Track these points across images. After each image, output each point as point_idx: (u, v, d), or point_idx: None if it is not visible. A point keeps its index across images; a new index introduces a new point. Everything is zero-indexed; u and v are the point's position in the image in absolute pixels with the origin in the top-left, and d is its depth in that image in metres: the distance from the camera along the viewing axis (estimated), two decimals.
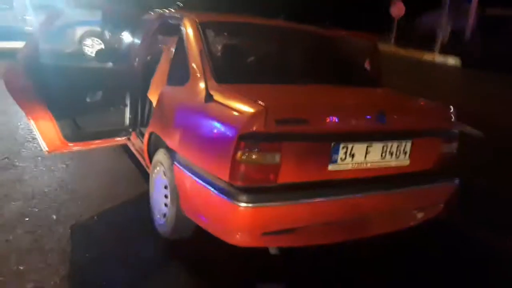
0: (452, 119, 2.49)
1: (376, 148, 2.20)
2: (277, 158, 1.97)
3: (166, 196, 2.56)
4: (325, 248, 2.30)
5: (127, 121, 3.36)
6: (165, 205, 2.57)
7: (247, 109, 1.98)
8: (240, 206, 1.92)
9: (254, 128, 1.92)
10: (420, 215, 2.51)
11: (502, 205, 3.57)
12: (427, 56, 14.42)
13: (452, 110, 2.49)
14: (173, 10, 3.27)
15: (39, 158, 3.68)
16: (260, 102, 1.99)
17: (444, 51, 14.56)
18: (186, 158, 2.28)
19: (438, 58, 14.25)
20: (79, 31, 9.12)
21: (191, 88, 2.41)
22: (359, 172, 2.20)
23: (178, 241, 2.60)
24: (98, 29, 9.01)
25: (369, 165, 2.21)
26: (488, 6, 15.70)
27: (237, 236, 2.06)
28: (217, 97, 2.19)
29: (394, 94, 2.89)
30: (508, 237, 3.04)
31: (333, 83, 2.76)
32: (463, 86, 10.78)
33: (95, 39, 9.09)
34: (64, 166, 3.61)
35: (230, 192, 1.95)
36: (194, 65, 2.47)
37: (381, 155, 2.23)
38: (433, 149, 2.44)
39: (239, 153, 1.93)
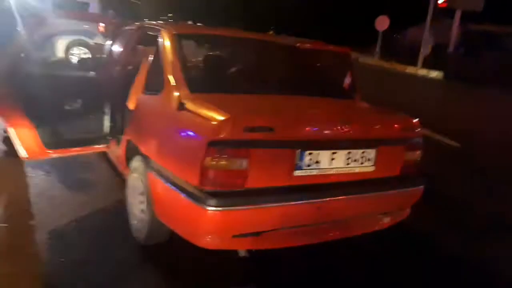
0: (416, 129, 2.62)
1: (341, 156, 2.31)
2: (244, 164, 2.07)
3: (141, 202, 2.63)
4: (295, 253, 2.39)
5: (106, 129, 3.43)
6: (141, 210, 2.63)
7: (216, 117, 2.08)
8: (208, 210, 2.01)
9: (222, 135, 2.02)
10: (385, 220, 2.62)
11: (467, 211, 3.72)
12: (410, 69, 14.76)
13: (415, 120, 2.63)
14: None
15: (19, 165, 3.72)
16: (228, 110, 2.09)
17: (427, 64, 14.91)
18: (159, 164, 2.37)
19: (421, 71, 14.60)
20: (65, 40, 9.18)
21: (165, 96, 2.50)
22: (325, 178, 2.30)
23: (154, 246, 2.66)
24: (84, 38, 9.15)
25: (334, 171, 2.32)
26: (470, 21, 16.18)
27: (207, 239, 2.15)
28: (188, 105, 2.29)
29: (361, 106, 3.02)
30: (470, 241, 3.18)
31: (304, 94, 2.87)
32: (441, 97, 11.06)
33: (82, 48, 9.17)
34: (43, 173, 3.65)
35: (199, 196, 2.04)
36: (168, 74, 2.56)
37: (346, 162, 2.34)
38: (397, 156, 2.56)
39: (207, 159, 2.03)
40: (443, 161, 5.14)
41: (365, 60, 16.49)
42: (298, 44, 3.44)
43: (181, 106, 2.30)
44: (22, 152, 3.00)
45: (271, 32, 17.61)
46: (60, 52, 9.10)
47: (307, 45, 3.49)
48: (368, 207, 2.49)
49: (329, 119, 2.34)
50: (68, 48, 9.24)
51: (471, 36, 15.70)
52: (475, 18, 16.01)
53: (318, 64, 3.37)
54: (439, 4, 15.97)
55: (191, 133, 2.16)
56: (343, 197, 2.33)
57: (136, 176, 2.72)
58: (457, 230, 3.37)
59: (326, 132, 2.28)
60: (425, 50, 15.29)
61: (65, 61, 9.03)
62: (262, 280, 2.48)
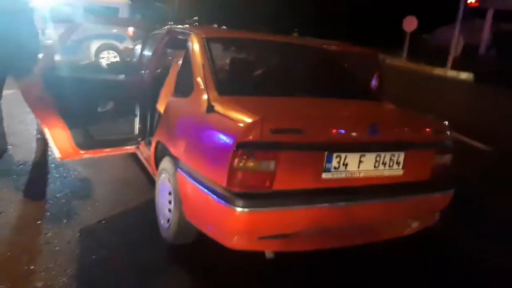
0: (445, 132, 2.57)
1: (369, 158, 2.30)
2: (272, 165, 2.09)
3: (170, 202, 2.69)
4: (322, 256, 2.38)
5: (136, 131, 3.52)
6: (169, 210, 2.69)
7: (244, 119, 2.11)
8: (236, 210, 2.04)
9: (251, 137, 2.04)
10: (414, 224, 2.59)
11: (498, 219, 3.61)
12: (438, 71, 14.42)
13: (445, 124, 2.59)
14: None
15: (53, 165, 3.86)
16: (257, 112, 2.12)
17: (457, 66, 14.53)
18: (188, 165, 2.41)
19: (450, 73, 14.24)
20: (96, 44, 9.44)
21: (194, 99, 2.56)
22: (353, 181, 2.30)
23: (182, 246, 2.71)
24: (114, 42, 9.39)
25: (362, 174, 2.30)
26: (502, 21, 15.68)
27: (234, 239, 2.18)
28: (217, 108, 2.33)
29: (389, 108, 2.99)
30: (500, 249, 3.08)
31: (332, 97, 2.88)
32: (472, 101, 10.75)
33: (111, 51, 9.41)
34: (76, 173, 3.77)
35: (227, 197, 2.07)
36: (198, 77, 2.62)
37: (374, 165, 2.32)
38: (426, 160, 2.52)
39: (236, 161, 2.05)
40: (472, 165, 5.01)
41: (393, 61, 16.22)
42: (324, 46, 3.46)
43: (210, 109, 2.34)
44: (56, 153, 3.12)
45: (295, 34, 17.58)
46: (91, 56, 9.37)
47: (334, 47, 3.50)
48: (397, 211, 2.47)
49: (357, 122, 2.33)
50: (98, 52, 9.50)
51: (503, 36, 15.20)
52: (508, 17, 15.52)
53: (345, 66, 3.36)
54: (469, 3, 15.57)
55: (220, 134, 2.20)
56: (372, 200, 2.32)
57: (165, 177, 2.78)
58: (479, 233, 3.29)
59: (354, 134, 2.28)
60: (455, 51, 14.91)
61: (95, 64, 9.31)
62: (286, 284, 2.49)
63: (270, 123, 2.07)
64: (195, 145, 2.43)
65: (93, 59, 9.33)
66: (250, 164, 2.06)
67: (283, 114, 2.29)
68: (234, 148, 2.05)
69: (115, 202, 3.31)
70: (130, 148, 3.56)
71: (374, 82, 3.69)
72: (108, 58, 9.38)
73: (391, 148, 2.35)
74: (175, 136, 2.63)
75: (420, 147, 2.48)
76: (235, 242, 2.18)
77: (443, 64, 14.71)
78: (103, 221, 3.02)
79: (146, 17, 13.86)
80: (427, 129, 2.53)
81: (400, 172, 2.40)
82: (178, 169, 2.51)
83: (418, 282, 2.63)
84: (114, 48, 9.33)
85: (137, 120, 3.51)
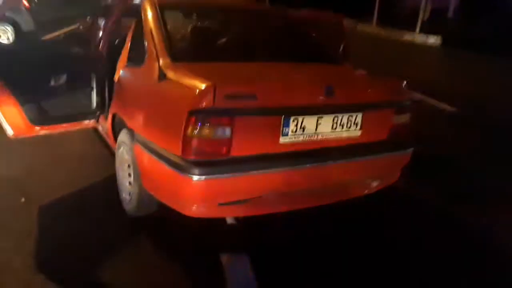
0: (403, 92, 2.58)
1: (327, 120, 2.29)
2: (227, 132, 2.05)
3: (130, 175, 2.63)
4: (287, 218, 2.39)
5: (94, 104, 3.39)
6: (130, 183, 2.64)
7: (197, 85, 2.04)
8: (192, 179, 2.01)
9: (204, 104, 1.99)
10: (374, 184, 2.62)
11: (460, 175, 3.71)
12: (408, 36, 14.48)
13: (403, 83, 2.58)
14: None
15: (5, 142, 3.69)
16: (210, 78, 2.05)
17: (425, 30, 14.61)
18: (143, 136, 2.35)
19: (419, 37, 14.32)
20: None
21: (146, 67, 2.46)
22: (311, 144, 2.28)
23: (144, 217, 2.68)
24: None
25: (320, 136, 2.29)
26: None
27: (193, 208, 2.16)
28: (170, 75, 2.25)
29: (349, 70, 2.97)
30: (462, 205, 3.18)
31: (291, 61, 2.82)
32: (438, 63, 10.90)
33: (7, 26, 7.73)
34: (33, 150, 3.63)
35: (183, 166, 2.03)
36: (150, 44, 2.51)
37: (332, 127, 2.31)
38: (384, 120, 2.53)
39: (190, 128, 2.00)
40: (438, 124, 5.12)
41: (363, 28, 16.16)
42: (286, 12, 3.38)
43: (162, 76, 2.26)
44: (8, 130, 2.98)
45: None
46: None
47: (296, 13, 3.42)
48: (357, 172, 2.49)
49: (313, 84, 2.30)
50: None
51: (471, 1, 15.32)
52: None
53: (306, 31, 3.29)
54: None
55: (172, 103, 2.13)
56: (330, 162, 2.32)
57: (123, 150, 2.71)
58: (441, 189, 3.38)
59: (310, 97, 2.25)
60: (423, 15, 14.95)
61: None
62: (251, 246, 2.50)
63: (224, 89, 2.01)
64: (148, 115, 2.35)
65: None
66: (205, 131, 2.02)
67: (238, 79, 2.22)
68: (187, 116, 2.00)
69: (76, 178, 3.23)
70: (89, 123, 3.43)
71: (338, 47, 3.64)
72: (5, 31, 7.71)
73: (348, 109, 2.34)
74: (129, 107, 2.55)
75: (377, 108, 2.47)
76: (194, 210, 2.16)
77: (413, 29, 14.75)
78: (64, 198, 2.95)
79: None
80: (385, 90, 2.52)
81: (358, 133, 2.40)
82: (135, 141, 2.44)
83: (381, 240, 2.69)
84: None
85: (93, 93, 3.37)
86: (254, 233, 2.58)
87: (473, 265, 2.49)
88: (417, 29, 14.53)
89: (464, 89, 7.22)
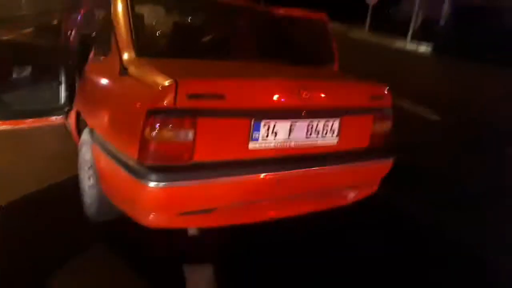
0: (384, 98, 2.43)
1: (301, 126, 2.12)
2: (190, 135, 1.87)
3: (90, 177, 2.44)
4: (256, 227, 2.22)
5: (62, 100, 3.19)
6: (90, 186, 2.45)
7: (158, 82, 1.86)
8: (149, 185, 1.82)
9: (164, 103, 1.81)
10: (352, 194, 2.46)
11: (440, 184, 3.62)
12: (399, 43, 14.46)
13: (384, 88, 2.43)
14: None
15: None
16: (173, 75, 1.87)
17: (416, 37, 14.61)
18: (101, 136, 2.17)
19: (409, 45, 14.31)
20: None
21: (109, 61, 2.28)
22: (283, 151, 2.11)
23: (105, 223, 2.48)
24: None
25: (293, 143, 2.13)
26: None
27: (150, 217, 1.97)
28: (131, 70, 2.07)
29: (329, 73, 2.81)
30: (437, 212, 3.06)
31: (268, 61, 2.66)
32: (428, 71, 10.85)
33: None
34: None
35: (138, 171, 1.85)
36: (115, 36, 2.32)
37: (307, 134, 2.15)
38: (364, 127, 2.38)
39: (147, 130, 1.82)
40: (419, 133, 5.00)
41: (355, 33, 16.14)
42: (266, 9, 3.21)
43: (123, 71, 2.08)
44: None
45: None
46: None
47: (276, 10, 3.25)
48: (330, 181, 2.32)
49: (288, 86, 2.12)
50: None
51: (463, 11, 15.38)
52: None
53: (288, 30, 3.13)
54: None
55: (130, 100, 1.95)
56: (302, 170, 2.15)
57: (85, 150, 2.51)
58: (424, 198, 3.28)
59: (284, 99, 2.08)
60: (414, 23, 14.96)
61: None
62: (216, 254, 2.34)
63: (187, 87, 1.83)
64: (106, 113, 2.16)
65: None
66: (164, 133, 1.83)
67: (203, 77, 2.04)
68: (146, 116, 1.81)
69: (40, 178, 3.02)
70: (56, 119, 3.23)
71: (320, 47, 3.48)
72: None
73: (324, 115, 2.17)
74: (89, 104, 2.37)
75: (356, 113, 2.32)
76: (152, 220, 1.96)
77: (404, 36, 14.76)
78: (26, 200, 2.75)
79: None
80: (364, 94, 2.36)
81: (335, 140, 2.24)
82: (94, 141, 2.25)
83: (359, 252, 2.53)
84: None
85: (62, 87, 3.17)
86: (219, 240, 2.40)
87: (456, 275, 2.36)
88: (409, 37, 14.53)
89: (451, 97, 7.15)
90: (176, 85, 1.80)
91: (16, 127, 3.09)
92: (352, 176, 2.38)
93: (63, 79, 3.19)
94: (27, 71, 3.03)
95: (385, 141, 2.46)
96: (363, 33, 16.29)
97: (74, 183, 2.85)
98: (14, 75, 2.98)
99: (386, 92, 2.43)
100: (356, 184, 2.46)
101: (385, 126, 2.44)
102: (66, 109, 3.24)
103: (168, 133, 1.83)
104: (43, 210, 2.65)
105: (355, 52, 10.14)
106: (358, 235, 2.68)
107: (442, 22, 15.83)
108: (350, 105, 2.30)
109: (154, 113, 1.81)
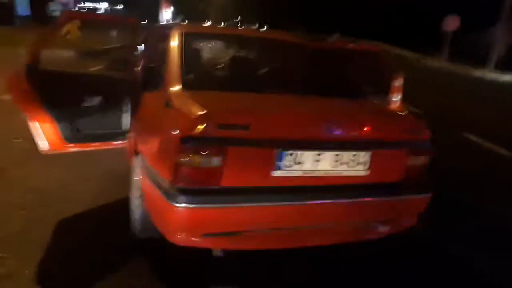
0: (420, 131, 2.40)
1: (328, 157, 2.18)
2: (218, 161, 2.03)
3: (139, 197, 2.69)
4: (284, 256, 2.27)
5: (123, 126, 3.55)
6: (138, 205, 2.69)
7: (192, 113, 2.06)
8: (176, 206, 2.00)
9: (196, 132, 1.99)
10: (382, 228, 2.43)
11: (482, 222, 3.38)
12: (478, 72, 13.64)
13: (421, 122, 2.41)
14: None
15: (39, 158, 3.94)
16: (208, 107, 2.06)
17: (500, 67, 13.69)
18: (146, 160, 2.41)
19: (490, 74, 13.42)
20: None
21: (160, 94, 2.53)
22: (309, 180, 2.18)
23: (149, 240, 2.70)
24: None
25: (319, 173, 2.19)
26: None
27: (178, 235, 2.14)
28: (175, 102, 2.30)
29: (366, 105, 2.82)
30: (483, 254, 2.87)
31: (306, 93, 2.75)
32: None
33: None
34: (65, 167, 3.83)
35: (170, 192, 2.04)
36: (167, 72, 2.58)
37: (334, 165, 2.20)
38: (397, 160, 2.36)
39: (180, 155, 2.02)
40: (487, 170, 4.67)
41: (431, 62, 15.55)
42: (312, 43, 3.33)
43: (169, 103, 2.31)
44: (42, 145, 3.21)
45: (336, 35, 17.01)
46: None
47: (324, 44, 3.36)
48: (358, 213, 2.32)
49: (314, 117, 2.20)
50: None
51: None
52: None
53: (331, 63, 3.21)
54: None
55: (168, 129, 2.17)
56: (328, 201, 2.19)
57: (137, 172, 2.79)
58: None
59: (309, 131, 2.16)
60: (498, 51, 14.05)
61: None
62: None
63: (218, 118, 2.01)
64: (151, 140, 2.42)
65: None
66: (195, 159, 2.01)
67: (236, 109, 2.21)
68: (179, 142, 2.01)
69: (101, 196, 3.35)
70: (118, 143, 3.59)
71: (369, 79, 3.50)
72: None
73: (353, 147, 2.21)
74: (139, 131, 2.65)
75: (389, 147, 2.32)
76: (179, 238, 2.14)
77: (485, 65, 13.91)
78: (85, 215, 3.07)
79: (191, 17, 13.75)
80: (397, 128, 2.36)
81: (363, 172, 2.26)
82: (142, 165, 2.51)
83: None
84: None
85: (124, 115, 3.54)
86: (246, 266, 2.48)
87: None
88: (489, 66, 13.65)
89: None
90: (208, 115, 1.99)
91: (86, 149, 3.50)
92: (382, 209, 2.36)
93: (127, 107, 3.57)
94: (97, 100, 3.44)
95: (421, 175, 2.41)
96: (439, 62, 15.64)
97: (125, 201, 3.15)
98: (85, 104, 3.41)
99: (421, 126, 2.40)
100: (387, 218, 2.42)
101: (422, 159, 2.40)
102: (127, 135, 3.60)
103: (198, 159, 2.01)
104: (101, 224, 2.93)
105: (428, 82, 9.75)
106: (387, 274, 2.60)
107: None
108: (381, 138, 2.31)
109: (187, 140, 2.00)
